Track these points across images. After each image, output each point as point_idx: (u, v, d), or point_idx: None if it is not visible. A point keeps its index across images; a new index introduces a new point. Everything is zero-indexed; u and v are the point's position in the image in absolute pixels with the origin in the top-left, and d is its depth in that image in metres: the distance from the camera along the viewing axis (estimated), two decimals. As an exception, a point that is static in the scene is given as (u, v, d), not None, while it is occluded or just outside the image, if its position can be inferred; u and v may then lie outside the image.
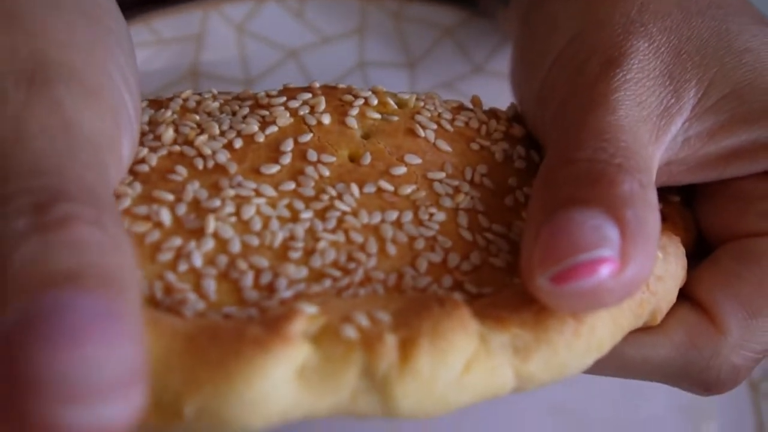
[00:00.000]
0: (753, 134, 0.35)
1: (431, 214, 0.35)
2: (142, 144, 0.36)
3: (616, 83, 0.34)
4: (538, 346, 0.30)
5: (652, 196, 0.31)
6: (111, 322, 0.23)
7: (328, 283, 0.31)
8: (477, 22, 0.58)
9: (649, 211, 0.30)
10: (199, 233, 0.32)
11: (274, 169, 0.35)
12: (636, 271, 0.29)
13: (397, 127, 0.38)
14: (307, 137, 0.36)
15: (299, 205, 0.34)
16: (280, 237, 0.33)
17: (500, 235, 0.35)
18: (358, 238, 0.33)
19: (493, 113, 0.40)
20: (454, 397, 0.29)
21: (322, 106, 0.38)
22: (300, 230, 0.33)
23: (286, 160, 0.35)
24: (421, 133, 0.38)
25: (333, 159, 0.36)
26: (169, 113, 0.37)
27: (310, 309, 0.28)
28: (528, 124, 0.39)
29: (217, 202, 0.33)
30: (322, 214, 0.34)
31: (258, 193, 0.34)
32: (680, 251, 0.35)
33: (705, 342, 0.35)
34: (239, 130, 0.36)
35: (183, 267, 0.31)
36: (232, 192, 0.34)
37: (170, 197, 0.33)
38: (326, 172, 0.35)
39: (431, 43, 0.58)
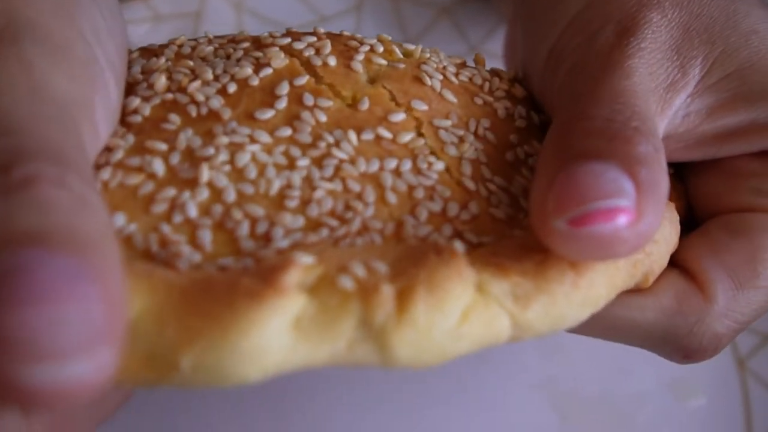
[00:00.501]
0: (752, 114, 0.36)
1: (430, 164, 0.35)
2: (135, 94, 0.35)
3: (631, 50, 0.35)
4: (538, 295, 0.31)
5: (664, 162, 0.32)
6: (77, 281, 0.23)
7: (325, 232, 0.31)
8: (474, 2, 0.59)
9: (661, 174, 0.31)
10: (193, 183, 0.32)
11: (269, 114, 0.34)
12: (648, 225, 0.30)
13: (403, 74, 0.38)
14: (302, 80, 0.36)
15: (295, 151, 0.33)
16: (276, 185, 0.32)
17: (501, 188, 0.35)
18: (355, 186, 0.33)
19: (495, 72, 0.40)
20: (451, 346, 0.29)
21: (328, 48, 0.37)
22: (297, 178, 0.32)
23: (282, 104, 0.35)
24: (428, 81, 0.38)
25: (330, 103, 0.35)
26: (162, 61, 0.37)
27: (306, 259, 0.28)
28: (532, 87, 0.40)
29: (211, 150, 0.33)
30: (319, 162, 0.33)
31: (252, 140, 0.33)
32: (675, 217, 0.36)
33: (692, 307, 0.35)
34: (233, 74, 0.35)
35: (178, 218, 0.31)
36: (226, 139, 0.33)
37: (163, 147, 0.33)
38: (323, 118, 0.34)
39: (428, 22, 0.58)
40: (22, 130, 0.26)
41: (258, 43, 0.37)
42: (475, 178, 0.35)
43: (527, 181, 0.36)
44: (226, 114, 0.34)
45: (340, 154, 0.33)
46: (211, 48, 0.37)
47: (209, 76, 0.35)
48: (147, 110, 0.34)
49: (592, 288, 0.32)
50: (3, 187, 0.24)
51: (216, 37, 0.39)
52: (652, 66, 0.35)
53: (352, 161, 0.33)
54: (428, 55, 0.39)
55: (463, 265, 0.29)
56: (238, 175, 0.32)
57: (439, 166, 0.35)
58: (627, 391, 0.50)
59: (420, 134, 0.36)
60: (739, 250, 0.36)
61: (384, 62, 0.38)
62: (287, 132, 0.34)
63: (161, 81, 0.35)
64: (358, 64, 0.37)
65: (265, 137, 0.33)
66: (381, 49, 0.39)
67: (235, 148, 0.33)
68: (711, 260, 0.36)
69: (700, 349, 0.36)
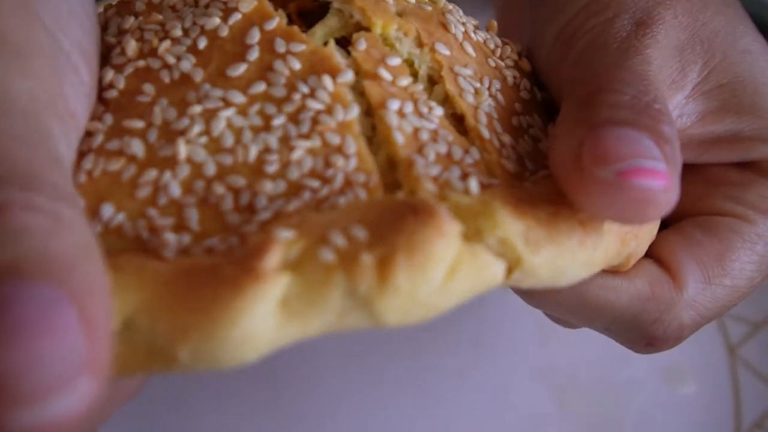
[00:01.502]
0: (738, 126, 0.38)
1: (430, 108, 0.34)
2: (109, 63, 0.35)
3: (648, 41, 0.36)
4: (548, 244, 0.31)
5: (679, 145, 0.33)
6: (54, 310, 0.22)
7: (307, 195, 0.31)
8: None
9: (679, 155, 0.32)
10: (172, 161, 0.32)
11: (241, 68, 0.33)
12: (674, 196, 0.31)
13: (430, 16, 0.38)
14: (272, 23, 0.34)
15: (270, 109, 0.33)
16: (253, 151, 0.32)
17: (510, 146, 0.35)
18: (334, 139, 0.32)
19: (505, 42, 0.41)
20: (440, 303, 0.29)
21: None
22: (273, 140, 0.32)
23: (254, 55, 0.34)
24: (452, 29, 0.38)
25: (302, 47, 0.34)
26: (132, 19, 0.36)
27: (285, 234, 0.28)
28: (538, 64, 0.41)
29: (186, 122, 0.32)
30: (294, 117, 0.32)
31: (226, 102, 0.33)
32: None
33: (663, 294, 0.37)
34: (202, 25, 0.35)
35: (162, 200, 0.31)
36: (199, 108, 0.32)
37: (140, 124, 0.33)
38: (296, 65, 0.34)
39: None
40: None
41: None
42: (489, 129, 0.35)
43: (531, 147, 0.36)
44: (198, 76, 0.33)
45: (315, 105, 0.33)
46: None
47: (178, 32, 0.35)
48: (121, 83, 0.34)
49: (595, 250, 0.33)
50: None
51: None
52: (664, 59, 0.37)
53: (329, 110, 0.32)
54: (450, 7, 0.39)
55: (443, 221, 0.29)
56: (215, 145, 0.32)
57: (439, 111, 0.35)
58: (621, 378, 0.51)
59: (418, 79, 0.36)
60: (710, 248, 0.37)
61: (413, 0, 0.38)
62: (261, 87, 0.33)
63: (132, 45, 0.35)
64: None
65: (238, 97, 0.33)
66: None
67: (209, 115, 0.32)
68: (684, 252, 0.37)
69: (664, 337, 0.37)
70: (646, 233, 0.37)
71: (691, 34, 0.38)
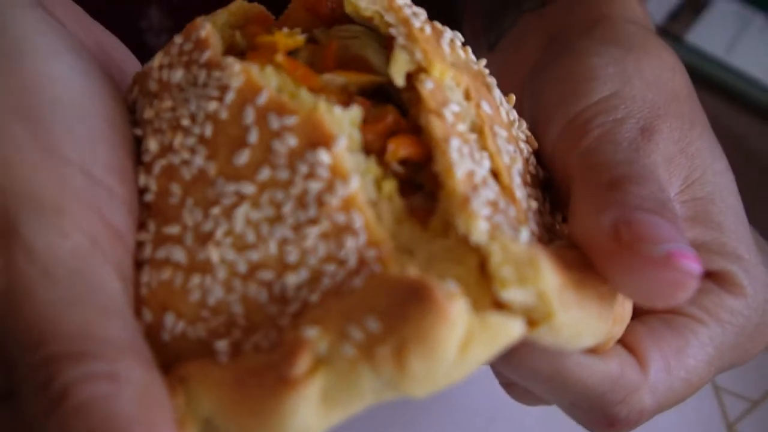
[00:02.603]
0: (703, 237, 0.43)
1: (481, 156, 0.37)
2: (141, 161, 0.38)
3: (653, 147, 0.41)
4: (575, 306, 0.34)
5: None
6: None
7: (327, 282, 0.33)
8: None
9: None
10: (209, 265, 0.35)
11: (245, 155, 0.35)
12: (696, 286, 0.34)
13: (477, 74, 0.40)
14: (262, 97, 0.36)
15: (279, 195, 0.35)
16: (273, 244, 0.34)
17: (532, 211, 0.38)
18: (340, 218, 0.34)
19: (520, 118, 0.44)
20: (460, 373, 0.32)
21: (424, 16, 0.39)
22: (287, 230, 0.34)
23: (253, 137, 0.36)
24: (493, 92, 0.40)
25: (294, 120, 0.35)
26: (149, 108, 0.39)
27: (311, 333, 0.32)
28: (543, 141, 0.44)
29: (211, 224, 0.35)
30: (301, 201, 0.34)
31: (240, 197, 0.35)
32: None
33: (632, 376, 0.40)
34: (205, 109, 0.37)
35: (211, 301, 0.34)
36: (218, 209, 0.35)
37: (176, 229, 0.36)
38: (292, 141, 0.35)
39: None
40: (47, 333, 0.30)
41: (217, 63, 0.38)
42: (519, 190, 0.38)
43: (539, 218, 0.39)
44: (212, 170, 0.36)
45: (316, 185, 0.35)
46: (180, 73, 0.38)
47: (187, 121, 0.37)
48: (153, 185, 0.37)
49: (605, 324, 0.36)
50: (49, 408, 0.29)
51: (182, 50, 0.39)
52: (662, 166, 0.41)
53: (330, 187, 0.34)
54: (487, 71, 0.42)
55: (445, 308, 0.31)
56: (240, 242, 0.35)
57: (487, 162, 0.37)
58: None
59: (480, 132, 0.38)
60: (671, 341, 0.41)
61: (463, 55, 0.40)
62: (266, 173, 0.35)
63: (153, 144, 0.38)
64: (446, 45, 0.39)
65: (249, 188, 0.35)
66: (459, 42, 0.41)
67: (228, 212, 0.35)
68: (649, 341, 0.41)
69: (626, 419, 0.40)
70: (626, 319, 0.40)
71: (680, 149, 0.43)
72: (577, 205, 0.38)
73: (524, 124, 0.44)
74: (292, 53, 0.40)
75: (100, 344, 0.30)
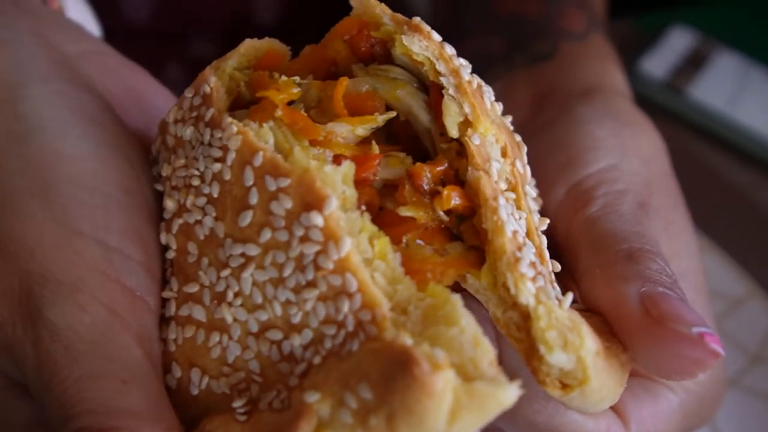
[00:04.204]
0: None
1: (520, 216, 0.39)
2: (162, 219, 0.40)
3: (652, 222, 0.45)
4: (604, 373, 0.35)
5: None
6: None
7: (328, 343, 0.35)
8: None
9: None
10: (225, 324, 0.37)
11: (248, 217, 0.37)
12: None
13: (511, 133, 0.42)
14: (258, 159, 0.37)
15: (280, 257, 0.36)
16: (278, 306, 0.36)
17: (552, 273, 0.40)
18: (336, 281, 0.35)
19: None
20: None
21: (469, 69, 0.41)
22: (290, 293, 0.36)
23: (254, 199, 0.37)
24: (523, 150, 0.42)
25: (288, 182, 0.36)
26: (167, 164, 0.40)
27: (312, 398, 0.33)
28: (546, 201, 0.46)
29: (223, 285, 0.37)
30: (300, 263, 0.36)
31: (246, 258, 0.36)
32: None
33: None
34: (212, 170, 0.38)
35: (231, 358, 0.36)
36: (227, 272, 0.37)
37: (195, 288, 0.37)
38: (288, 204, 0.36)
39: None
40: (73, 409, 0.32)
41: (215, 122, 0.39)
42: (547, 250, 0.40)
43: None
44: (220, 231, 0.37)
45: (312, 249, 0.36)
46: (190, 130, 0.40)
47: (197, 181, 0.39)
48: (173, 243, 0.39)
49: (622, 390, 0.38)
50: None
51: (191, 108, 0.41)
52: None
53: (324, 250, 0.36)
54: (512, 129, 0.43)
55: (429, 383, 0.32)
56: (250, 303, 0.36)
57: (523, 221, 0.39)
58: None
59: (515, 191, 0.39)
60: (650, 408, 0.46)
61: (498, 111, 0.42)
62: (268, 235, 0.36)
63: (170, 204, 0.39)
64: (487, 100, 0.41)
65: (253, 249, 0.37)
66: (493, 97, 0.42)
67: (237, 274, 0.37)
68: (632, 406, 0.45)
69: None
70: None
71: (664, 226, 0.47)
72: (595, 273, 0.41)
73: (534, 182, 0.45)
74: (301, 85, 0.41)
75: (121, 417, 0.31)
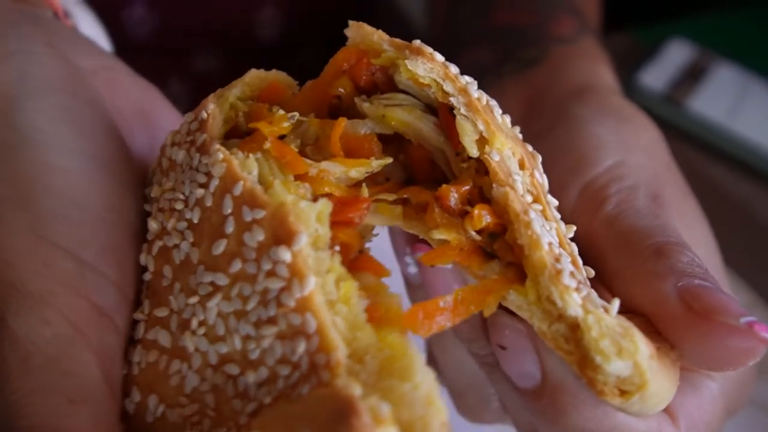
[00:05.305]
0: None
1: (551, 227, 0.38)
2: (145, 241, 0.40)
3: (668, 213, 0.45)
4: (659, 375, 0.35)
5: None
6: None
7: (280, 384, 0.34)
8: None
9: None
10: (186, 352, 0.36)
11: (222, 245, 0.36)
12: None
13: (524, 144, 0.41)
14: (238, 188, 0.37)
15: (247, 289, 0.36)
16: (238, 340, 0.35)
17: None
18: (295, 320, 0.35)
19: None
20: None
21: (476, 85, 0.40)
22: (250, 327, 0.35)
23: (230, 228, 0.36)
24: (538, 160, 0.42)
25: (263, 213, 0.36)
26: (157, 186, 0.40)
27: None
28: (561, 206, 0.46)
29: (189, 312, 0.36)
30: (263, 298, 0.35)
31: (215, 287, 0.36)
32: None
33: (668, 429, 0.43)
34: (195, 195, 0.38)
35: (188, 389, 0.36)
36: (195, 299, 0.36)
37: (165, 312, 0.37)
38: (260, 236, 0.36)
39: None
40: (18, 422, 0.31)
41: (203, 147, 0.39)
42: (579, 257, 0.39)
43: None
44: (195, 258, 0.37)
45: (276, 285, 0.35)
46: (182, 153, 0.40)
47: (180, 205, 0.38)
48: (151, 265, 0.39)
49: (675, 389, 0.37)
50: None
51: (188, 132, 0.41)
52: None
53: (288, 287, 0.35)
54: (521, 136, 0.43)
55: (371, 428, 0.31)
56: (212, 333, 0.36)
57: (554, 231, 0.39)
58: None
59: (538, 201, 0.39)
60: (694, 400, 0.45)
61: (509, 123, 0.42)
62: (238, 266, 0.36)
63: (153, 226, 0.39)
64: (497, 114, 0.41)
65: (222, 279, 0.36)
66: (500, 111, 0.42)
67: (203, 303, 0.36)
68: (678, 400, 0.43)
69: None
70: None
71: (678, 216, 0.47)
72: (627, 274, 0.41)
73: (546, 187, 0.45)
74: (300, 117, 0.41)
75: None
